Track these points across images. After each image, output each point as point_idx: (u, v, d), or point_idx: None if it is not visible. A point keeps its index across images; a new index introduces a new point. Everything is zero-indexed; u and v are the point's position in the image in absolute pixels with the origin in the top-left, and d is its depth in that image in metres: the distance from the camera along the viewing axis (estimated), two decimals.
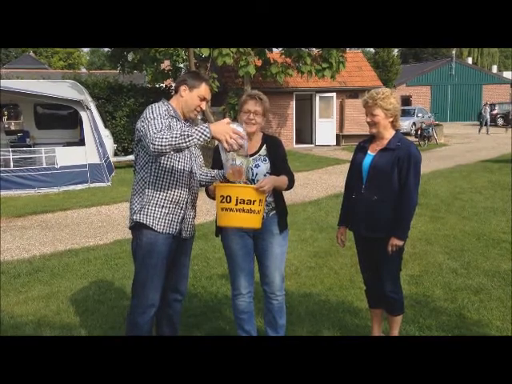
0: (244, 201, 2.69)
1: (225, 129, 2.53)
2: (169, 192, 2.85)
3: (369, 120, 3.13)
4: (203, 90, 2.88)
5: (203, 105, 2.93)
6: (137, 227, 2.88)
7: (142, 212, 2.85)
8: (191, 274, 5.02)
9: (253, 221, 2.78)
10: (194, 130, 2.50)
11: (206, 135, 2.49)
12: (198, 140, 2.50)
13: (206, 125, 2.53)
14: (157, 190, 2.83)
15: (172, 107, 2.88)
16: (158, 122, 2.64)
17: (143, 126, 2.66)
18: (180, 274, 3.11)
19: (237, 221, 2.75)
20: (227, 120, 2.62)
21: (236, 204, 2.69)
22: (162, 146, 2.49)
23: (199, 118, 16.14)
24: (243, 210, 2.71)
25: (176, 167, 2.84)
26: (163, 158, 2.77)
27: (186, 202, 2.93)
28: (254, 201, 2.72)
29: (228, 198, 2.70)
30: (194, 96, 2.87)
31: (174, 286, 3.09)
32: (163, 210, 2.85)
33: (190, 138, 2.48)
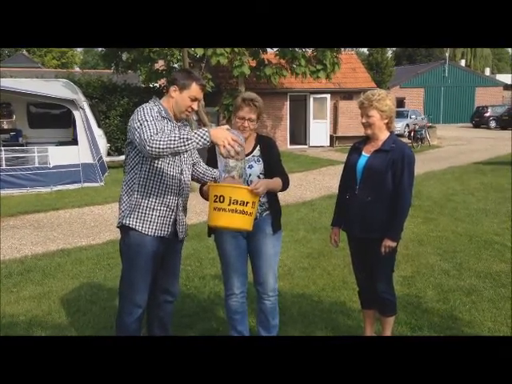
0: (237, 201, 2.67)
1: (224, 134, 2.51)
2: (159, 195, 2.82)
3: (364, 121, 3.13)
4: (194, 90, 2.81)
5: (195, 105, 2.86)
6: (125, 229, 2.87)
7: (131, 216, 2.82)
8: (184, 274, 5.02)
9: (244, 222, 2.75)
10: (193, 134, 2.48)
11: (205, 139, 2.48)
12: (197, 144, 2.49)
13: (205, 129, 2.52)
14: (146, 193, 2.81)
15: (163, 107, 2.84)
16: (153, 125, 2.61)
17: (136, 128, 2.62)
18: (171, 276, 3.10)
19: (228, 221, 2.72)
20: (227, 126, 2.62)
21: (229, 204, 2.67)
22: (160, 148, 2.47)
23: (194, 118, 16.11)
24: (236, 211, 2.68)
25: (166, 169, 2.82)
26: (153, 159, 2.75)
27: (177, 204, 2.92)
28: (247, 202, 2.70)
29: (221, 198, 2.68)
30: (185, 97, 2.81)
31: (165, 287, 3.08)
32: (154, 213, 2.83)
33: (189, 142, 2.47)
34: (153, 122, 2.63)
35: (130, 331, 2.92)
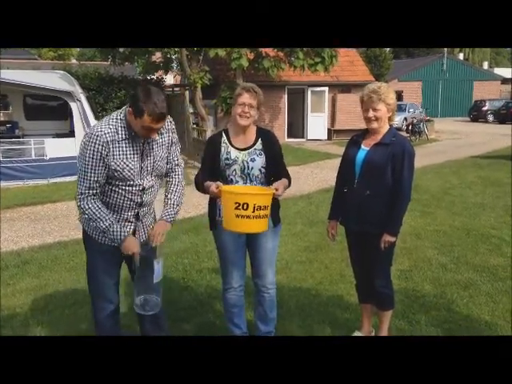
0: (260, 207, 2.72)
1: (131, 247, 2.67)
2: (116, 209, 2.76)
3: (371, 115, 3.07)
4: (146, 121, 2.49)
5: (152, 134, 2.59)
6: (82, 230, 2.89)
7: (89, 225, 2.79)
8: (181, 267, 5.02)
9: (265, 225, 2.84)
10: (112, 230, 2.63)
11: (116, 243, 2.69)
12: (110, 240, 2.71)
13: (121, 236, 2.66)
14: (104, 204, 2.72)
15: (126, 124, 2.60)
16: (89, 176, 2.58)
17: (78, 169, 2.65)
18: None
19: (252, 227, 2.77)
20: (136, 244, 2.71)
21: (253, 211, 2.70)
22: (82, 210, 2.64)
23: (190, 110, 16.04)
24: (259, 217, 2.73)
25: (124, 188, 2.70)
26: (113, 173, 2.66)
27: (137, 215, 2.84)
28: (267, 206, 2.77)
29: (245, 206, 2.68)
30: (138, 124, 2.53)
31: None
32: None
33: (103, 233, 2.68)
34: (89, 171, 2.58)
35: (106, 328, 2.91)
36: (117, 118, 2.62)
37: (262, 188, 3.03)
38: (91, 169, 2.58)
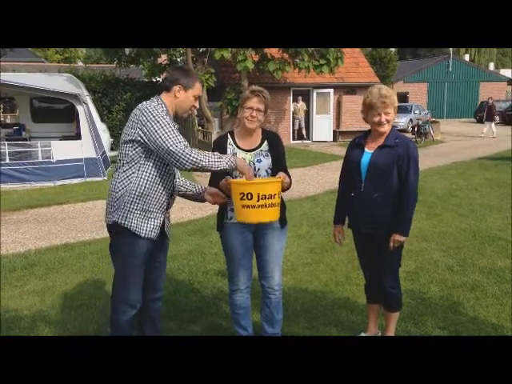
0: (265, 196, 2.74)
1: (246, 169, 2.78)
2: (154, 196, 2.80)
3: (383, 119, 3.06)
4: (197, 89, 2.87)
5: (197, 103, 2.94)
6: (117, 228, 2.82)
7: (127, 216, 2.78)
8: (187, 269, 5.03)
9: (274, 214, 2.85)
10: (224, 158, 2.72)
11: (231, 166, 2.74)
12: (224, 167, 2.72)
13: (233, 159, 2.75)
14: (143, 194, 2.76)
15: (165, 107, 2.78)
16: (172, 132, 2.64)
17: (152, 134, 2.62)
18: (158, 274, 3.06)
19: (259, 216, 2.79)
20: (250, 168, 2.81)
21: (258, 200, 2.73)
22: (196, 165, 2.63)
23: (195, 112, 16.07)
24: (265, 206, 2.75)
25: (163, 172, 2.80)
26: (152, 161, 2.74)
27: (167, 207, 2.92)
28: (274, 195, 2.78)
29: (249, 195, 2.72)
30: (189, 96, 2.85)
31: (152, 285, 3.05)
32: (147, 214, 2.80)
33: (218, 164, 2.69)
34: (169, 128, 2.64)
35: (122, 330, 2.91)
36: (158, 102, 2.77)
37: (268, 178, 3.06)
38: (168, 125, 2.65)
